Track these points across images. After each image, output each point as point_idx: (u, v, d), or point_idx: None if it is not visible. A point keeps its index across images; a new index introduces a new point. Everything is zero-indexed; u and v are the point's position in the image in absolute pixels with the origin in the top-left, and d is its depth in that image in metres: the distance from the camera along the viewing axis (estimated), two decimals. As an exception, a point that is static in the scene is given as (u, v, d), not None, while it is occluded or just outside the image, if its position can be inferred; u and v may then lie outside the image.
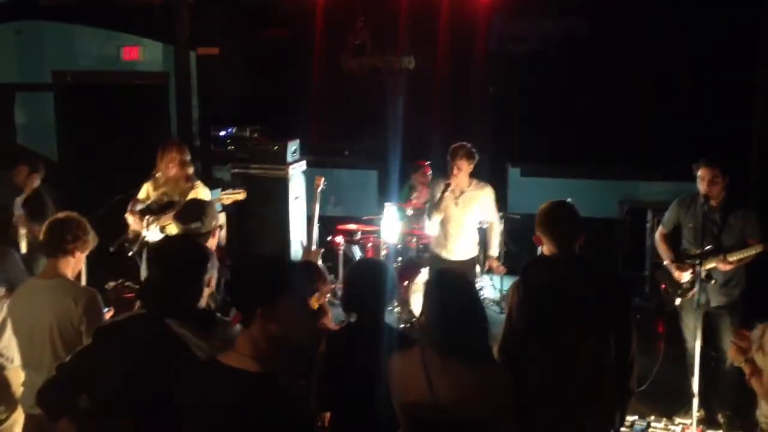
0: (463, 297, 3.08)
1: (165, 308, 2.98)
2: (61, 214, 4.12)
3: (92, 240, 4.12)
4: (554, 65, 9.09)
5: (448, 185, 6.24)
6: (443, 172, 6.48)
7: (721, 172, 5.35)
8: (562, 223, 3.84)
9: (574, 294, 3.66)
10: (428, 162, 8.08)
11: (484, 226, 6.75)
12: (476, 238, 6.62)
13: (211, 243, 4.38)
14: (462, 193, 6.37)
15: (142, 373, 2.86)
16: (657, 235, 5.90)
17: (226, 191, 6.52)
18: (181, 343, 2.89)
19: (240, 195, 6.51)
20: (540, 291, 3.72)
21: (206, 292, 3.17)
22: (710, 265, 5.24)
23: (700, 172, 5.39)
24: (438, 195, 6.35)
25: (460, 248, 6.49)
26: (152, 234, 6.10)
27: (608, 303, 3.72)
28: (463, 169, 6.24)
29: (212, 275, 3.19)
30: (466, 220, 6.43)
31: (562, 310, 3.63)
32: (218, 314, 3.26)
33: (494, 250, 6.73)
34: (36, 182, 7.33)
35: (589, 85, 8.88)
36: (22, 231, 7.01)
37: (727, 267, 5.30)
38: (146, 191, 6.39)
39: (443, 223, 6.45)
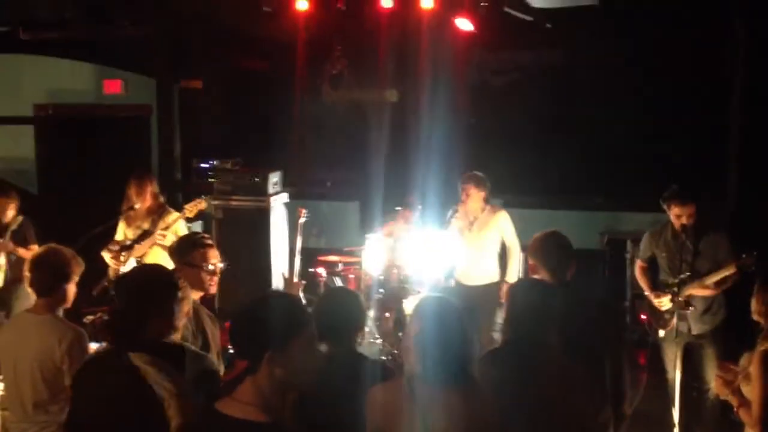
0: (449, 323, 3.01)
1: (130, 341, 2.92)
2: (42, 250, 4.10)
3: (78, 268, 4.06)
4: (534, 97, 9.16)
5: (455, 210, 6.49)
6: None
7: (697, 206, 5.32)
8: (555, 251, 4.00)
9: (567, 319, 3.66)
10: (418, 205, 7.74)
11: None
12: (496, 263, 6.69)
13: (192, 275, 3.97)
14: (475, 218, 6.58)
15: (109, 412, 2.84)
16: (636, 268, 5.90)
17: (188, 204, 6.39)
18: (141, 379, 2.83)
19: (201, 204, 6.36)
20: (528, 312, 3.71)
21: (180, 322, 3.12)
22: (689, 292, 5.25)
23: (675, 210, 5.34)
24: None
25: (477, 273, 6.64)
26: (129, 267, 6.04)
27: (601, 328, 3.75)
28: (471, 194, 6.47)
29: (184, 306, 3.14)
30: (482, 244, 6.60)
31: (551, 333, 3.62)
32: (187, 345, 3.19)
33: (510, 275, 6.58)
34: (13, 211, 7.08)
35: (568, 116, 8.96)
36: (1, 261, 6.85)
37: (707, 291, 5.30)
38: (122, 232, 6.34)
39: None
